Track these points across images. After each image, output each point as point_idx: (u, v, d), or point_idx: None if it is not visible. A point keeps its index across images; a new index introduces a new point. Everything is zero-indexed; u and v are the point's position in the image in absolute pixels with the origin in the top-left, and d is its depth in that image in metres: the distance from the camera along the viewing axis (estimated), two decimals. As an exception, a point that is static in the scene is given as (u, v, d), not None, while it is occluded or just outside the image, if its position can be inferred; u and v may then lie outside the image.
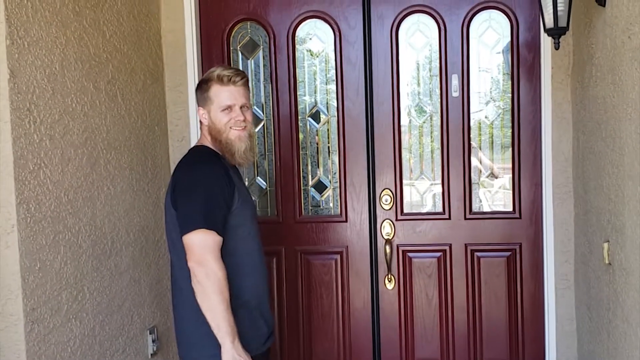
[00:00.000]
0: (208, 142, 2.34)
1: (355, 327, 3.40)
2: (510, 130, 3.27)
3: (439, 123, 3.30)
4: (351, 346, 3.41)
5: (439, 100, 3.29)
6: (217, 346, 2.09)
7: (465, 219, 3.31)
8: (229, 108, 2.28)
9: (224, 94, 2.28)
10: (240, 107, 2.30)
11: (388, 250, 3.31)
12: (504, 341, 3.33)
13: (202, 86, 2.33)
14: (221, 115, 2.28)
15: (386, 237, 3.33)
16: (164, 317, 3.15)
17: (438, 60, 3.28)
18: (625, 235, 2.27)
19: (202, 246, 2.09)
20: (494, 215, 3.32)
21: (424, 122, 3.34)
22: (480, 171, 3.34)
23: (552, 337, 3.24)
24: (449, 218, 3.33)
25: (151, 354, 3.02)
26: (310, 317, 3.44)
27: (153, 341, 3.03)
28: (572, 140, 3.09)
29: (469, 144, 3.29)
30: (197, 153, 2.33)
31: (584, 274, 2.94)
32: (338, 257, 3.40)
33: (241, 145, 2.29)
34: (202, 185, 2.16)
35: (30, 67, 2.19)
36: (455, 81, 3.26)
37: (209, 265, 2.08)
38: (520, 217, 3.28)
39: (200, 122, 2.40)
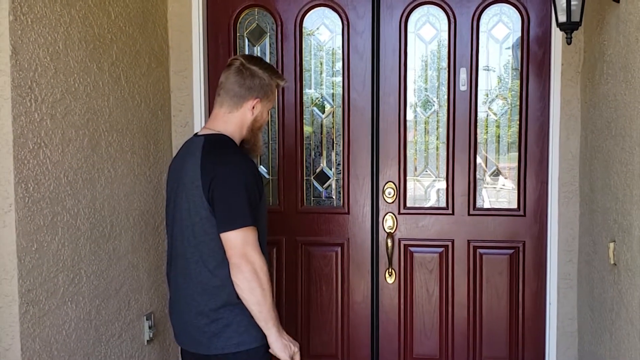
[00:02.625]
0: (235, 133, 2.28)
1: (354, 321, 3.38)
2: (518, 127, 3.23)
3: (445, 117, 3.27)
4: (349, 339, 3.38)
5: (446, 94, 3.25)
6: (240, 333, 2.15)
7: (469, 215, 3.28)
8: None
9: (274, 98, 2.40)
10: None
11: (389, 243, 3.27)
12: (504, 339, 3.30)
13: (268, 81, 2.30)
14: (266, 116, 2.36)
15: (388, 231, 3.30)
16: (161, 304, 3.12)
17: (447, 53, 3.24)
18: (632, 235, 2.23)
19: (246, 242, 2.11)
20: (498, 212, 3.28)
21: (430, 116, 3.31)
22: (485, 171, 3.30)
23: (553, 337, 3.21)
24: (452, 213, 3.29)
25: (147, 340, 2.99)
26: (309, 309, 3.41)
27: (150, 327, 3.00)
28: (580, 138, 3.06)
29: (475, 139, 3.25)
30: (233, 146, 2.26)
31: (588, 274, 2.90)
32: (339, 249, 3.37)
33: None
34: (245, 182, 2.14)
35: (33, 45, 2.16)
36: (463, 75, 3.22)
37: (256, 261, 2.11)
38: (524, 215, 3.25)
39: (214, 109, 2.30)
